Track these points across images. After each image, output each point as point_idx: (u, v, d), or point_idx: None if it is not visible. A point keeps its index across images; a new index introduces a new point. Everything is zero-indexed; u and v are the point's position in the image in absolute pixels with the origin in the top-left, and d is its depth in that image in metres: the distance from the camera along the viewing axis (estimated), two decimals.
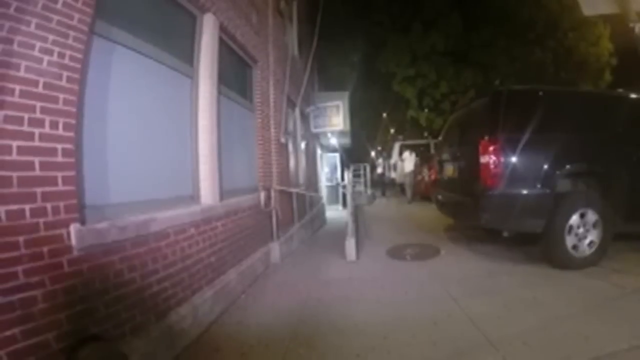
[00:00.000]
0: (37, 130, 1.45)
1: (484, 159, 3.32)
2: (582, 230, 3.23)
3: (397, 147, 14.09)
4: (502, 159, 3.24)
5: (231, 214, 3.23)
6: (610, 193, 3.35)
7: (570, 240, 3.20)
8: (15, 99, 1.38)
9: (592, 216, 3.24)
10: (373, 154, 25.78)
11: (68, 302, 1.51)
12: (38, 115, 1.46)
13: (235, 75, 3.96)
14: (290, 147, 6.12)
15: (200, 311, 2.43)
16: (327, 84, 13.49)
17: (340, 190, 10.67)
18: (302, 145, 7.40)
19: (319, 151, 11.11)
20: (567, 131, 3.34)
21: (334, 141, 11.75)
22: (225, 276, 2.97)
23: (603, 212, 3.26)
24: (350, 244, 4.16)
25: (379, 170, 18.00)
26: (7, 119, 1.36)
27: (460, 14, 14.62)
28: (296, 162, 6.69)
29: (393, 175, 14.76)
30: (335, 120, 8.31)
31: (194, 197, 2.80)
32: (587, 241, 3.24)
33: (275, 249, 4.27)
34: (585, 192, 3.41)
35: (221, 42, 3.28)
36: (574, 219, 3.21)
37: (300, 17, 7.35)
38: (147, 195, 2.23)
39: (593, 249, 3.24)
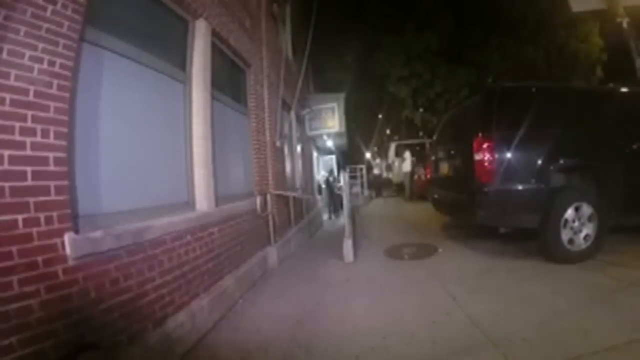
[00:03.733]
0: (28, 139, 1.44)
1: (478, 156, 3.34)
2: (578, 224, 3.24)
3: (392, 147, 14.12)
4: (496, 156, 3.25)
5: (227, 219, 3.22)
6: (604, 186, 3.37)
7: (565, 234, 3.20)
8: (6, 107, 1.38)
9: (587, 209, 3.26)
10: (369, 155, 25.81)
11: (64, 311, 1.50)
12: (29, 124, 1.45)
13: (228, 79, 3.96)
14: (286, 150, 6.12)
15: (197, 318, 2.41)
16: (323, 86, 13.55)
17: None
18: (298, 148, 7.40)
19: (315, 154, 11.12)
20: (560, 126, 3.36)
21: (330, 143, 11.77)
22: (223, 282, 2.96)
23: (598, 205, 3.27)
24: (347, 246, 4.15)
25: (376, 171, 18.07)
26: None
27: (453, 14, 14.76)
28: (292, 166, 6.69)
29: (390, 175, 14.79)
30: (330, 122, 8.35)
31: (190, 204, 2.79)
32: (582, 235, 3.25)
33: (272, 253, 4.26)
34: (579, 186, 3.43)
35: (214, 47, 3.28)
36: (569, 212, 3.22)
37: (293, 20, 7.38)
38: (142, 202, 2.22)
39: (589, 243, 3.25)
